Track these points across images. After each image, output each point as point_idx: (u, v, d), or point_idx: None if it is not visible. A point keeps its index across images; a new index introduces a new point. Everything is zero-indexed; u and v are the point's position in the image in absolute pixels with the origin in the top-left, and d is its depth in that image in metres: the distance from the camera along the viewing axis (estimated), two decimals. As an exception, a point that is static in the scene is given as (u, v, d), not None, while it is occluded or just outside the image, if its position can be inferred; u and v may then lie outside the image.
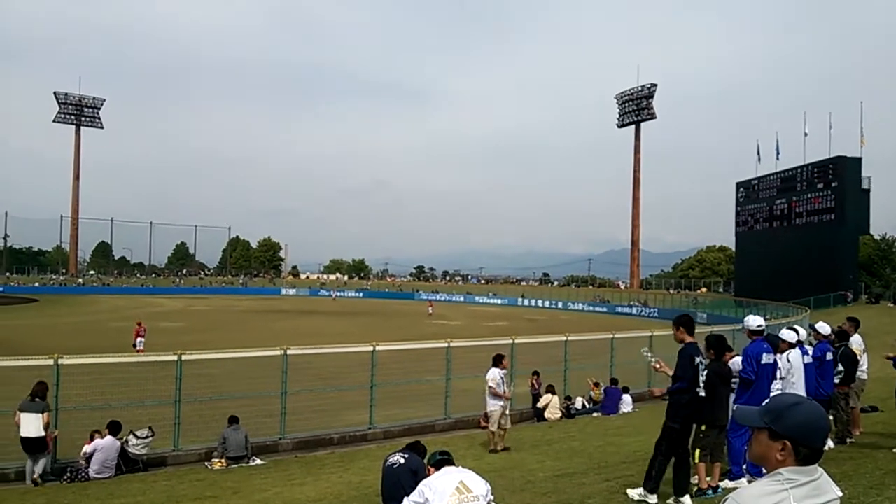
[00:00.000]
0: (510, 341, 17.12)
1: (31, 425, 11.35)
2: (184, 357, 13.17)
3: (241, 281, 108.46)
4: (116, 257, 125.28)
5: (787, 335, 8.52)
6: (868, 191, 55.80)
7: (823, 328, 10.33)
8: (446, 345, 16.47)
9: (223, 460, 12.12)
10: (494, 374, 12.53)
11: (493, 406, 12.46)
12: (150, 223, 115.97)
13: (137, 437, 12.22)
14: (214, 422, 13.25)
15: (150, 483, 10.67)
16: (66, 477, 11.37)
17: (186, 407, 13.37)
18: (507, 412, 12.72)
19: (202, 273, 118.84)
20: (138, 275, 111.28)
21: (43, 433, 11.40)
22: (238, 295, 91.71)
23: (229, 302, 74.85)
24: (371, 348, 15.32)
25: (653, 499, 6.72)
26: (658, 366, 7.53)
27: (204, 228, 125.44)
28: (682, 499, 6.76)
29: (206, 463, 12.34)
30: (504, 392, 12.55)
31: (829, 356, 9.77)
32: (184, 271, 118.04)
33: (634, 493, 6.95)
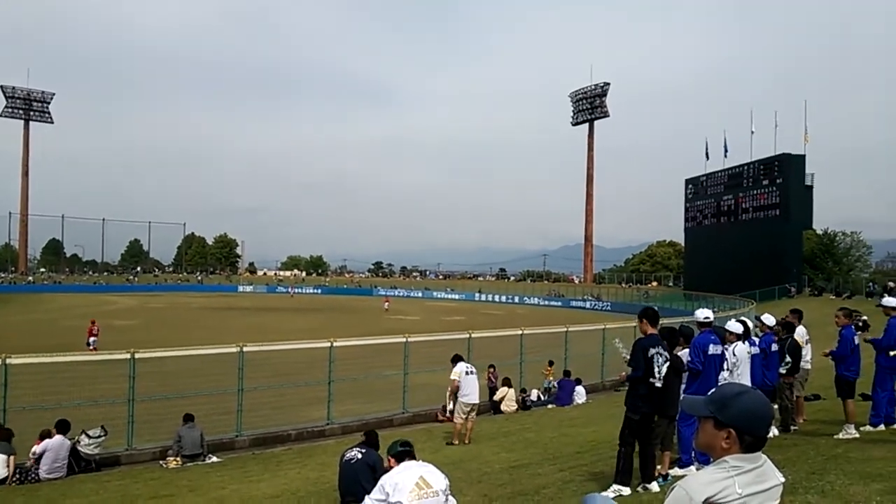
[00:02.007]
0: (467, 335, 17.25)
1: None
2: (137, 355, 12.97)
3: (197, 278, 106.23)
4: (68, 255, 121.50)
5: (732, 327, 8.69)
6: (811, 187, 57.39)
7: (769, 320, 10.69)
8: (404, 340, 16.54)
9: (178, 458, 11.98)
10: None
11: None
12: (103, 220, 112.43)
13: (90, 437, 11.98)
14: (169, 420, 13.06)
15: (103, 483, 10.51)
16: (15, 478, 11.08)
17: (140, 405, 13.16)
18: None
19: (157, 270, 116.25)
20: (91, 273, 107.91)
21: (6, 474, 11.09)
22: (194, 292, 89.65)
23: (185, 299, 73.36)
24: (329, 344, 15.30)
25: (626, 491, 6.76)
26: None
27: (158, 225, 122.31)
28: (648, 485, 6.92)
29: (160, 462, 12.19)
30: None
31: (775, 347, 10.09)
32: (138, 269, 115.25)
33: (609, 491, 6.89)
